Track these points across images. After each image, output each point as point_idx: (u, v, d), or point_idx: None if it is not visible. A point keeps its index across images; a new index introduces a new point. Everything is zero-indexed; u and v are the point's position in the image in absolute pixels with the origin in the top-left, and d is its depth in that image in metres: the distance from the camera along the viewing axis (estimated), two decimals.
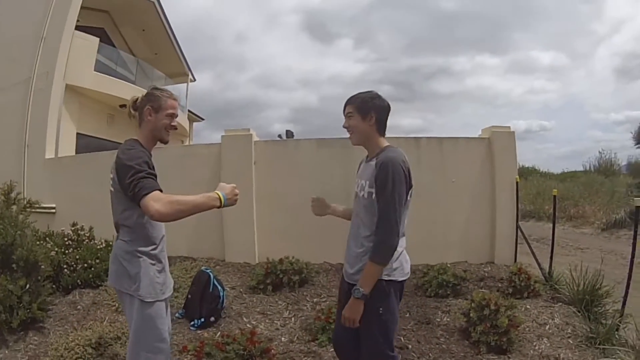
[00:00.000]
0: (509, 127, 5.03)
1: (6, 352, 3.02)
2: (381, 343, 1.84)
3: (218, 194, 1.68)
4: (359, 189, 1.93)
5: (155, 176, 1.71)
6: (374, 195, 1.82)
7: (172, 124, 1.92)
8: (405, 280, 1.90)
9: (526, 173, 15.04)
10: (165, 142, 1.94)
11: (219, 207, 1.69)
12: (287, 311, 3.64)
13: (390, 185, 1.75)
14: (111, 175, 1.82)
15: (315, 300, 3.85)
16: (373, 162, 1.86)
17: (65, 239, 4.35)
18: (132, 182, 1.63)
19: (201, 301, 3.41)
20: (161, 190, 1.64)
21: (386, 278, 1.81)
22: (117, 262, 1.87)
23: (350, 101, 1.95)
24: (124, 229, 1.86)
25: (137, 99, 1.93)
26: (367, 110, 1.90)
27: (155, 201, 1.56)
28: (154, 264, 1.87)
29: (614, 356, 2.71)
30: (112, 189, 1.84)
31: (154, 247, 1.88)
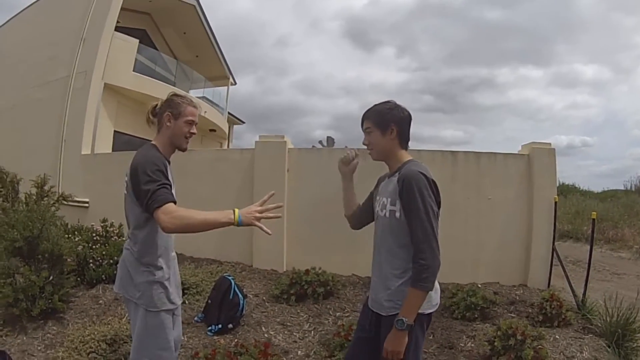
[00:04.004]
0: (549, 143, 4.79)
1: (24, 338, 3.10)
2: None
3: (234, 211, 1.62)
4: (380, 207, 1.76)
5: (170, 186, 1.69)
6: (397, 214, 1.66)
7: (192, 131, 1.88)
8: (433, 312, 1.71)
9: (566, 191, 14.38)
10: (183, 150, 1.91)
11: (234, 225, 1.62)
12: (308, 324, 3.55)
13: (420, 200, 1.58)
14: (126, 179, 1.80)
15: (337, 314, 3.74)
16: (395, 178, 1.69)
17: (94, 234, 4.43)
18: (147, 192, 1.62)
19: (220, 307, 3.38)
20: (175, 202, 1.63)
21: None
22: (123, 269, 1.86)
23: (367, 115, 1.79)
24: (134, 237, 1.83)
25: (156, 105, 1.90)
26: (387, 123, 1.73)
27: (165, 214, 1.57)
28: (160, 276, 1.83)
29: None
30: (126, 192, 1.82)
31: (160, 257, 1.84)
